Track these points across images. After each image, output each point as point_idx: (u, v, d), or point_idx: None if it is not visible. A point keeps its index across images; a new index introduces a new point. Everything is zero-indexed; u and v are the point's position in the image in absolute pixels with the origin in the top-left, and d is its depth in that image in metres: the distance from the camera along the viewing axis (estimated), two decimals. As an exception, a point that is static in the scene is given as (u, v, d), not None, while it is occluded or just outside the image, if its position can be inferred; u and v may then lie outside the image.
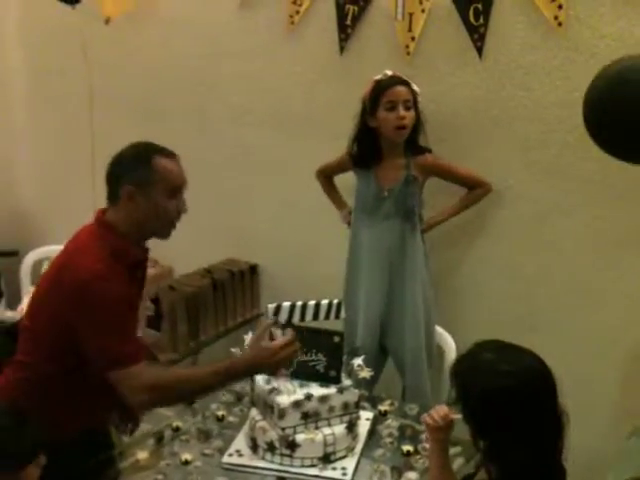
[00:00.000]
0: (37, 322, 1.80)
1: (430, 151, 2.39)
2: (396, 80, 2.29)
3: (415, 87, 2.32)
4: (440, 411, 1.58)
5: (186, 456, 1.81)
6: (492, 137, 2.41)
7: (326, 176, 2.60)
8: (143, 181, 1.75)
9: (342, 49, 2.60)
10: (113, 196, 1.79)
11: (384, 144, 2.36)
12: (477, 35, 2.34)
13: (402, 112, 2.27)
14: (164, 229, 1.83)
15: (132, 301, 1.80)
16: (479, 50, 2.35)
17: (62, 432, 1.70)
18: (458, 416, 1.54)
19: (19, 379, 1.81)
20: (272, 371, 1.82)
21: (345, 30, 2.58)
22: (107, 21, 2.98)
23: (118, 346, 1.71)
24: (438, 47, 2.44)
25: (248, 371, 1.81)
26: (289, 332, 1.80)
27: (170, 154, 1.82)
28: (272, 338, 1.80)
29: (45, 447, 1.57)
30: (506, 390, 1.36)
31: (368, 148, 2.37)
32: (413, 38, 2.44)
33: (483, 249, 2.52)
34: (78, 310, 1.70)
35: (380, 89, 2.30)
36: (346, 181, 2.56)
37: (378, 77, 2.33)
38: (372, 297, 2.42)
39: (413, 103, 2.30)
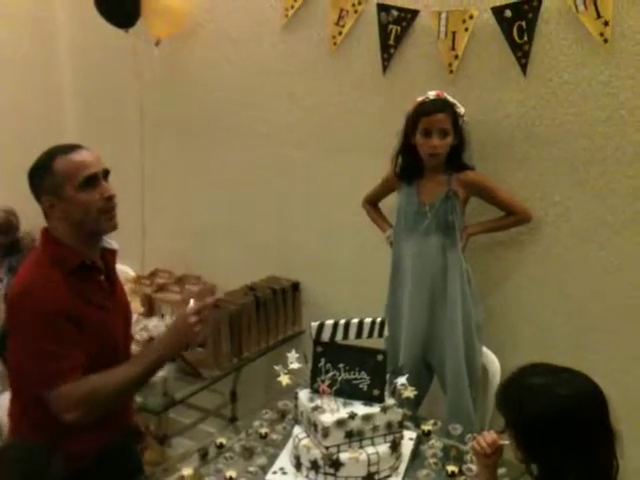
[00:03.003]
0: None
1: (473, 168, 2.38)
2: (435, 107, 2.30)
3: (459, 109, 2.31)
4: (488, 437, 1.56)
5: (230, 473, 1.82)
6: (537, 154, 2.39)
7: (371, 203, 2.62)
8: (52, 187, 1.74)
9: (385, 69, 2.61)
10: (43, 213, 1.80)
11: (424, 161, 2.37)
12: (521, 53, 2.33)
13: (435, 141, 2.29)
14: (99, 221, 1.78)
15: (68, 311, 1.72)
16: (523, 67, 2.34)
17: (77, 457, 1.68)
18: (507, 442, 1.52)
19: (18, 412, 1.83)
20: (189, 339, 1.80)
21: (388, 50, 2.59)
22: (157, 43, 3.06)
23: (42, 368, 1.70)
24: (482, 65, 2.43)
25: (165, 345, 1.79)
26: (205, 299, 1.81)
27: (70, 148, 1.78)
28: None
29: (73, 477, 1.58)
30: (563, 414, 1.33)
31: (410, 163, 2.39)
32: (456, 56, 2.44)
33: (529, 267, 2.48)
34: (10, 326, 1.74)
35: (418, 114, 2.31)
36: (391, 202, 2.56)
37: (420, 99, 2.34)
38: (414, 314, 2.41)
39: (453, 126, 2.30)
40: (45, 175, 1.75)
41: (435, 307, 2.39)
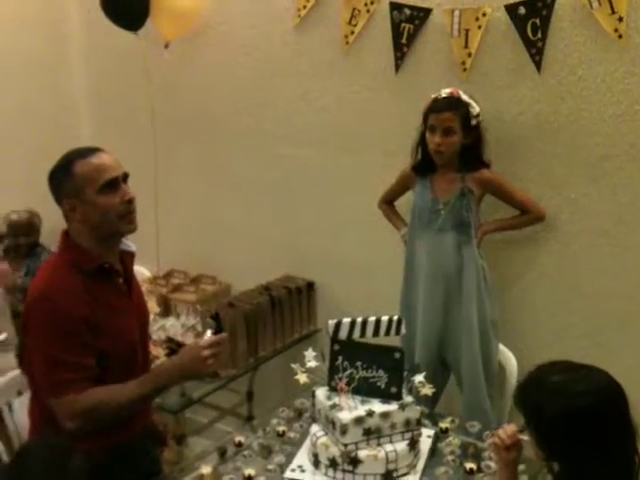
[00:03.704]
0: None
1: (489, 166, 2.38)
2: (444, 105, 2.30)
3: (474, 108, 2.31)
4: (508, 429, 1.56)
5: (249, 471, 1.83)
6: (552, 151, 2.39)
7: (387, 202, 2.63)
8: (73, 191, 1.76)
9: (398, 67, 2.62)
10: (64, 215, 1.82)
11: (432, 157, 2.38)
12: (535, 50, 2.33)
13: (438, 138, 2.30)
14: (118, 225, 1.80)
15: (86, 315, 1.74)
16: (537, 64, 2.33)
17: (94, 456, 1.66)
18: (526, 438, 1.52)
19: (38, 412, 1.86)
20: (200, 371, 1.82)
21: (401, 49, 2.59)
22: (166, 45, 3.08)
23: (51, 374, 1.72)
24: (495, 62, 2.43)
25: (176, 372, 1.81)
26: (220, 334, 1.82)
27: (89, 152, 1.79)
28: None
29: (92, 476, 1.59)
30: (583, 411, 1.33)
31: (425, 157, 2.40)
32: (470, 54, 2.44)
33: (544, 264, 2.48)
34: (26, 330, 1.76)
35: (428, 111, 2.33)
36: (407, 202, 2.57)
37: (435, 95, 2.34)
38: (429, 312, 2.41)
39: (463, 125, 2.30)
40: (65, 178, 1.77)
41: (450, 305, 2.39)
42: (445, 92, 2.34)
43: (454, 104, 2.31)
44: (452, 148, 2.32)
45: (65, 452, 1.58)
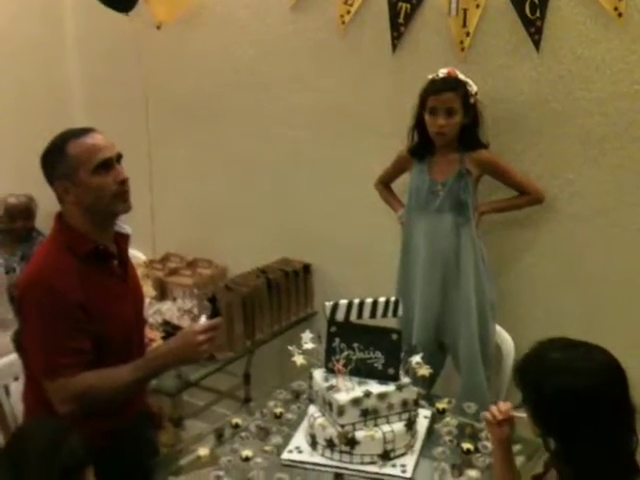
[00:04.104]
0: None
1: (487, 147, 2.36)
2: (443, 86, 2.28)
3: (471, 87, 2.29)
4: (501, 406, 1.56)
5: (246, 452, 1.82)
6: (551, 132, 2.37)
7: (384, 183, 2.61)
8: (66, 172, 1.73)
9: (394, 47, 2.59)
10: (57, 197, 1.80)
11: (433, 139, 2.36)
12: (534, 29, 2.30)
13: (441, 120, 2.27)
14: (112, 205, 1.78)
15: (81, 298, 1.72)
16: (536, 44, 2.31)
17: (90, 439, 1.64)
18: (522, 415, 1.51)
19: (32, 396, 1.85)
20: (194, 356, 1.81)
21: (398, 28, 2.56)
22: (159, 27, 3.04)
23: (46, 358, 1.71)
24: (493, 42, 2.40)
25: (170, 356, 1.80)
26: (215, 319, 1.82)
27: (82, 132, 1.76)
28: None
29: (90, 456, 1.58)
30: (582, 389, 1.32)
31: (422, 140, 2.38)
32: (468, 34, 2.42)
33: (542, 245, 2.47)
34: (19, 314, 1.75)
35: (427, 92, 2.30)
36: (404, 183, 2.55)
37: (432, 76, 2.32)
38: (427, 293, 2.40)
39: (463, 105, 2.28)
40: (58, 159, 1.75)
41: (448, 286, 2.38)
42: (442, 72, 2.31)
43: (454, 84, 2.29)
44: (454, 129, 2.30)
45: (61, 433, 1.57)
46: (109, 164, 1.77)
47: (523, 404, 1.43)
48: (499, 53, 2.40)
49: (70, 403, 1.72)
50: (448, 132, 2.30)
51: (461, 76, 2.30)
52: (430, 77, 2.32)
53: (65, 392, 1.72)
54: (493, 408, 1.60)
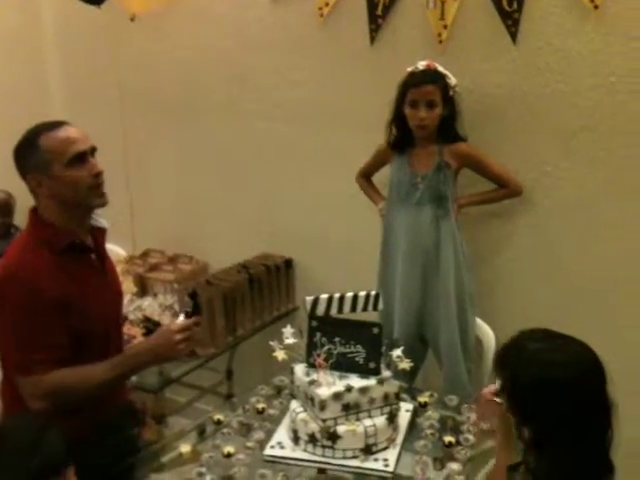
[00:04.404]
0: None
1: (465, 140, 2.36)
2: (423, 78, 2.28)
3: (450, 80, 2.30)
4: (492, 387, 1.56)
5: (228, 449, 1.83)
6: (528, 124, 2.37)
7: (365, 176, 2.61)
8: (39, 165, 1.72)
9: (373, 39, 2.58)
10: (30, 191, 1.78)
11: (413, 132, 2.36)
12: (511, 21, 2.31)
13: (422, 113, 2.28)
14: (88, 199, 1.77)
15: (57, 294, 1.70)
16: (513, 36, 2.31)
17: (70, 434, 1.62)
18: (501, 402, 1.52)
19: (9, 393, 1.83)
20: (171, 355, 1.81)
21: (376, 20, 2.56)
22: (132, 18, 3.01)
23: (19, 354, 1.70)
24: (471, 34, 2.40)
25: (147, 355, 1.80)
26: (192, 318, 1.83)
27: (56, 125, 1.75)
28: None
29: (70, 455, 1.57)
30: (559, 380, 1.32)
31: (402, 133, 2.38)
32: (445, 26, 2.42)
33: (521, 237, 2.48)
34: None
35: (407, 85, 2.30)
36: (384, 176, 2.54)
37: (411, 69, 2.31)
38: (407, 287, 2.41)
39: (443, 98, 2.28)
40: (31, 153, 1.73)
41: (428, 279, 2.39)
42: (422, 65, 2.31)
43: (434, 76, 2.29)
44: (435, 122, 2.30)
45: (40, 432, 1.56)
46: (83, 157, 1.75)
47: (500, 393, 1.44)
48: (476, 46, 2.41)
49: (43, 400, 1.70)
50: (429, 125, 2.30)
51: (440, 68, 2.31)
52: (409, 70, 2.32)
53: (38, 389, 1.70)
54: (485, 389, 1.60)
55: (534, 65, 2.33)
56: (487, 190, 2.43)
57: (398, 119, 2.37)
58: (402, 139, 2.39)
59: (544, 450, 1.35)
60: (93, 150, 1.79)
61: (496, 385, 1.56)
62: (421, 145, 2.37)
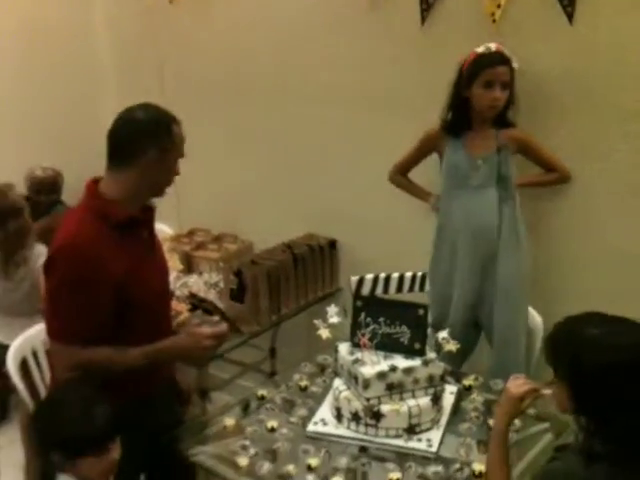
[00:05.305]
0: None
1: (515, 126, 2.33)
2: (499, 59, 2.24)
3: (515, 64, 2.26)
4: (524, 380, 1.54)
5: (272, 423, 1.85)
6: (583, 106, 2.31)
7: (401, 173, 2.57)
8: (164, 147, 1.78)
9: (424, 20, 2.54)
10: (124, 157, 1.79)
11: (474, 115, 2.32)
12: (567, 0, 2.25)
13: (498, 93, 2.24)
14: (162, 192, 1.88)
15: (110, 266, 1.73)
16: (569, 16, 2.25)
17: (115, 406, 1.68)
18: (548, 392, 1.50)
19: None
20: (196, 358, 1.88)
21: (427, 1, 2.52)
22: (171, 0, 3.02)
23: (63, 322, 1.73)
24: (525, 14, 2.35)
25: (175, 352, 1.86)
26: (222, 325, 1.90)
27: (179, 121, 1.86)
28: None
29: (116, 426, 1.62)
30: (623, 364, 1.30)
31: (461, 116, 2.33)
32: (499, 5, 2.36)
33: (572, 220, 2.42)
34: (47, 277, 1.76)
35: (481, 65, 2.25)
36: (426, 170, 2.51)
37: (480, 50, 2.27)
38: (468, 271, 2.36)
39: (510, 81, 2.25)
40: (162, 133, 1.79)
41: (488, 263, 2.34)
42: (492, 46, 2.26)
43: (505, 58, 2.25)
44: (505, 103, 2.28)
45: (90, 402, 1.60)
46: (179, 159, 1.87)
47: (557, 380, 1.40)
48: (531, 26, 2.35)
49: (71, 372, 1.73)
50: (500, 106, 2.27)
51: (506, 52, 2.26)
52: (479, 50, 2.27)
53: (71, 360, 1.74)
54: (520, 379, 1.58)
55: (590, 46, 2.26)
56: (537, 174, 2.38)
57: (458, 101, 2.32)
58: (460, 122, 2.34)
59: (611, 433, 1.32)
60: None
61: (520, 377, 1.55)
62: (479, 128, 2.33)
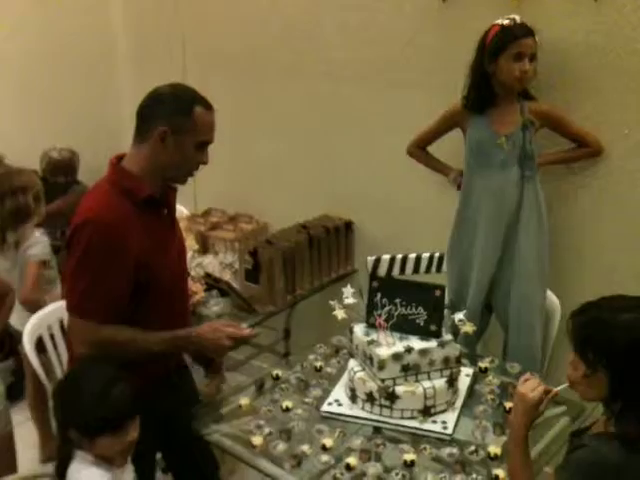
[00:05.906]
0: None
1: (536, 99, 2.27)
2: (526, 30, 2.19)
3: (537, 38, 2.20)
4: (531, 383, 1.49)
5: (287, 403, 1.84)
6: (607, 84, 2.26)
7: (421, 147, 2.53)
8: (179, 127, 1.74)
9: (444, -4, 2.50)
10: (142, 132, 1.77)
11: (499, 89, 2.27)
12: (591, -25, 2.19)
13: (527, 65, 2.19)
14: (181, 178, 1.84)
15: (131, 242, 1.72)
16: (593, -8, 2.20)
17: (137, 386, 1.67)
18: (564, 386, 1.47)
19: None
20: (214, 352, 1.87)
21: (447, -25, 2.47)
22: None
23: (84, 296, 1.72)
24: (548, -10, 2.30)
25: (195, 343, 1.84)
26: (245, 330, 1.89)
27: (209, 106, 1.80)
28: None
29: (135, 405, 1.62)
30: None
31: (484, 92, 2.28)
32: (521, -19, 2.31)
33: (593, 202, 2.38)
34: (70, 251, 1.74)
35: (508, 37, 2.19)
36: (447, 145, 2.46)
37: (504, 22, 2.21)
38: (489, 251, 2.32)
39: (535, 53, 2.21)
40: (180, 112, 1.75)
41: (509, 242, 2.30)
42: (517, 19, 2.21)
43: (531, 30, 2.20)
44: (533, 75, 2.23)
45: (109, 382, 1.60)
46: (207, 146, 1.82)
47: (589, 368, 1.37)
48: (554, 2, 2.29)
49: (90, 348, 1.74)
50: (531, 77, 2.22)
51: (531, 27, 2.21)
52: (504, 22, 2.21)
53: (91, 335, 1.73)
54: (530, 381, 1.52)
55: (615, 22, 2.20)
56: (565, 149, 2.33)
57: (481, 77, 2.27)
58: (484, 98, 2.29)
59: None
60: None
61: (530, 378, 1.51)
62: (504, 104, 2.27)
